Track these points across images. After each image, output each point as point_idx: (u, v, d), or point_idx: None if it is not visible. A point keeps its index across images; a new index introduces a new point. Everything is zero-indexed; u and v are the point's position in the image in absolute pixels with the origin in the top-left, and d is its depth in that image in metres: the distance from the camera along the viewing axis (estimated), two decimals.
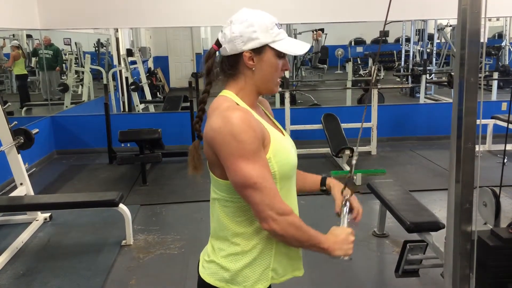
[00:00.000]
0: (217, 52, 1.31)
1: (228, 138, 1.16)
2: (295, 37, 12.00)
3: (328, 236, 1.31)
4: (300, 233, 1.23)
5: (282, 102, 6.94)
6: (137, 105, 8.27)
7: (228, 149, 1.17)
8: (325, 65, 13.15)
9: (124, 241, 3.63)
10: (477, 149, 1.35)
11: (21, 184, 4.10)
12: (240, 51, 1.25)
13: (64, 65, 9.32)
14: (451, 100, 1.22)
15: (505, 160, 5.31)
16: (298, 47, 1.28)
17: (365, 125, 5.97)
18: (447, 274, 1.45)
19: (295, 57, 11.46)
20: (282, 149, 1.27)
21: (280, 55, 1.27)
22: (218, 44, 1.29)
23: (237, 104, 1.25)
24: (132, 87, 8.13)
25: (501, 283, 1.49)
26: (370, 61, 12.63)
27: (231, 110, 1.19)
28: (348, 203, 1.41)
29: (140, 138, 5.37)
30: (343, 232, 1.32)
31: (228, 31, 1.26)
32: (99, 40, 10.83)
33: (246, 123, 1.17)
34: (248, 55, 1.25)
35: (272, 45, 1.25)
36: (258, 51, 1.25)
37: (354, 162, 1.47)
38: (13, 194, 4.02)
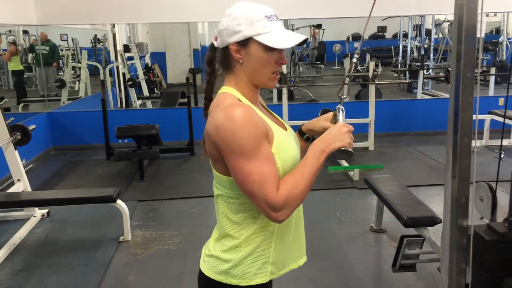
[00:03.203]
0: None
1: (230, 135, 1.15)
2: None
3: (319, 141, 1.25)
4: (305, 190, 1.19)
5: (279, 97, 6.95)
6: (134, 101, 8.25)
7: (230, 146, 1.16)
8: (323, 66, 13.13)
9: (122, 237, 3.63)
10: (473, 144, 1.36)
11: (18, 180, 4.10)
12: (227, 44, 1.25)
13: (61, 61, 9.29)
14: (448, 96, 1.22)
15: (502, 155, 5.33)
16: (286, 40, 1.22)
17: (363, 120, 5.99)
18: (444, 268, 1.45)
19: (292, 53, 11.44)
20: (285, 145, 1.27)
21: (269, 48, 1.23)
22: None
23: (239, 100, 1.25)
24: (129, 83, 8.10)
25: (497, 277, 1.50)
26: (368, 56, 12.63)
27: (233, 106, 1.19)
28: (341, 108, 1.36)
29: (138, 134, 5.36)
30: (334, 128, 1.26)
31: (219, 24, 1.27)
32: (96, 35, 10.80)
33: (248, 120, 1.16)
34: (234, 47, 1.24)
35: (257, 38, 1.22)
36: (244, 44, 1.23)
37: (353, 60, 1.45)
38: (11, 190, 4.02)
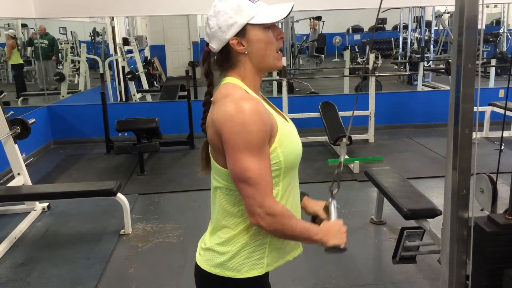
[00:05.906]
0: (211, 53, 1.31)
1: (238, 128, 1.15)
2: (293, 25, 11.92)
3: (321, 228, 1.33)
4: (290, 231, 1.23)
5: (279, 90, 6.93)
6: (134, 95, 8.23)
7: (235, 138, 1.16)
8: (322, 55, 13.09)
9: (122, 230, 3.64)
10: (474, 136, 1.35)
11: (18, 174, 4.10)
12: (226, 42, 1.24)
13: (60, 54, 9.25)
14: (448, 87, 1.22)
15: (502, 147, 5.32)
16: (280, 12, 1.24)
17: (363, 113, 5.97)
18: (444, 260, 1.45)
19: (292, 46, 11.39)
20: (289, 137, 1.26)
21: (267, 27, 1.24)
22: (208, 44, 1.29)
23: (247, 93, 1.24)
24: (128, 76, 8.08)
25: (497, 268, 1.50)
26: (368, 48, 12.60)
27: (245, 99, 1.18)
28: (334, 200, 1.46)
29: (138, 128, 5.36)
30: (336, 223, 1.36)
31: (208, 29, 1.26)
32: (95, 29, 10.75)
33: (259, 115, 1.16)
34: (234, 42, 1.23)
35: (252, 22, 1.22)
36: (242, 33, 1.23)
37: (343, 157, 1.52)
38: (11, 184, 4.02)
